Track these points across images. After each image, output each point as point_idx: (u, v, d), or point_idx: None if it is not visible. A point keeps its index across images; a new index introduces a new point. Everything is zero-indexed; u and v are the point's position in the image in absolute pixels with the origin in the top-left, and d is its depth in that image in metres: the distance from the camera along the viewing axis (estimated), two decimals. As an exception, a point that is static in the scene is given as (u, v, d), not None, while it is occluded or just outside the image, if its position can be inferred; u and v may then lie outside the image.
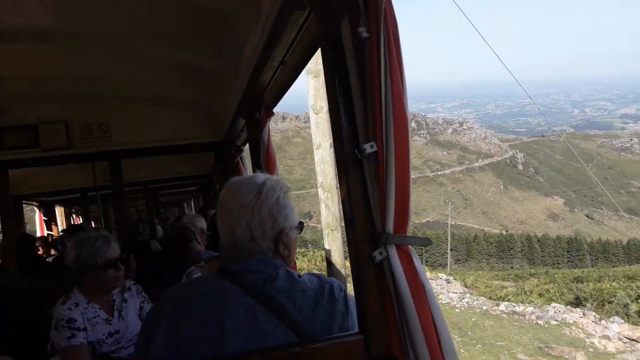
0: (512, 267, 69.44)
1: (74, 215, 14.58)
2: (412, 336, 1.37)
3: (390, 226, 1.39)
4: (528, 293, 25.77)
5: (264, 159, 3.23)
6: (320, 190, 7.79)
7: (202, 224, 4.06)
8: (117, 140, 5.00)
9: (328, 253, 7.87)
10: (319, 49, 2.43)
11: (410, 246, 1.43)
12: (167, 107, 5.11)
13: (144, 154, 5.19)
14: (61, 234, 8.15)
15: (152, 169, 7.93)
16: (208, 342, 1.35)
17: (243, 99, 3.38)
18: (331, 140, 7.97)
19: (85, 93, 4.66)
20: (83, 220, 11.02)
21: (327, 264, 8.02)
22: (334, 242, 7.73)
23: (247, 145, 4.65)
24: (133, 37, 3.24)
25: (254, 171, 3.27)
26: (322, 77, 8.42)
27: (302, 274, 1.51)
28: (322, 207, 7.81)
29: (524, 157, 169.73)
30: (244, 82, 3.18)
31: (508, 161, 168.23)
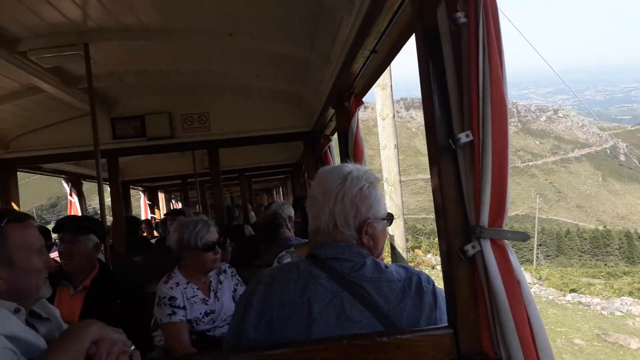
0: (605, 265, 63.71)
1: (172, 201, 15.65)
2: (505, 333, 1.32)
3: (485, 219, 1.33)
4: (617, 291, 23.84)
5: (352, 149, 3.24)
6: (385, 184, 9.08)
7: (290, 211, 4.17)
8: (215, 130, 5.30)
9: (392, 238, 9.02)
10: (411, 37, 2.40)
11: (505, 241, 1.36)
12: (260, 98, 5.32)
13: (239, 143, 5.44)
14: (163, 217, 8.77)
15: (246, 157, 8.29)
16: (296, 324, 1.40)
17: (333, 89, 3.41)
18: (396, 142, 9.00)
19: (186, 86, 4.97)
20: (182, 205, 11.79)
21: (390, 248, 9.25)
22: (397, 229, 9.07)
23: (335, 135, 4.72)
24: (231, 32, 3.39)
25: (341, 160, 3.31)
26: (388, 90, 8.74)
27: (388, 264, 1.50)
28: (387, 198, 9.03)
29: (626, 146, 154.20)
30: (334, 72, 3.21)
31: (608, 151, 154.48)
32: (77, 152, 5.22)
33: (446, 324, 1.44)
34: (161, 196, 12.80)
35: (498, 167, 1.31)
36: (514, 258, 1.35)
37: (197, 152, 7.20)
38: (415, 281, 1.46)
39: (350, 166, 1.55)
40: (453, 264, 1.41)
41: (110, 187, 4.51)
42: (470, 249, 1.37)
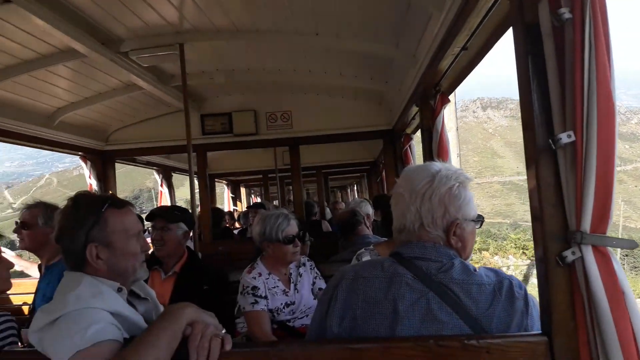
0: None
1: (252, 195, 16.19)
2: (607, 347, 1.24)
3: (587, 224, 1.26)
4: None
5: (436, 147, 3.17)
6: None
7: (368, 209, 4.17)
8: (297, 128, 5.45)
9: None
10: (506, 33, 2.31)
11: (609, 248, 1.28)
12: (342, 97, 5.38)
13: (319, 140, 5.53)
14: (245, 209, 9.10)
15: (324, 154, 8.40)
16: (381, 322, 1.40)
17: (418, 87, 3.37)
18: (458, 151, 8.76)
19: (271, 84, 5.14)
20: (263, 199, 12.16)
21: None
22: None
23: (417, 133, 4.65)
24: (318, 31, 3.45)
25: (424, 160, 3.25)
26: (452, 106, 8.37)
27: (477, 267, 1.46)
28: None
29: None
30: (420, 70, 3.16)
31: None
32: (169, 145, 5.57)
33: (539, 332, 1.38)
34: (242, 190, 13.30)
35: (603, 170, 1.24)
36: (618, 267, 1.27)
37: (278, 148, 7.41)
38: (506, 286, 1.41)
39: (438, 165, 1.53)
40: (550, 270, 1.35)
41: (198, 179, 4.79)
42: (569, 255, 1.31)
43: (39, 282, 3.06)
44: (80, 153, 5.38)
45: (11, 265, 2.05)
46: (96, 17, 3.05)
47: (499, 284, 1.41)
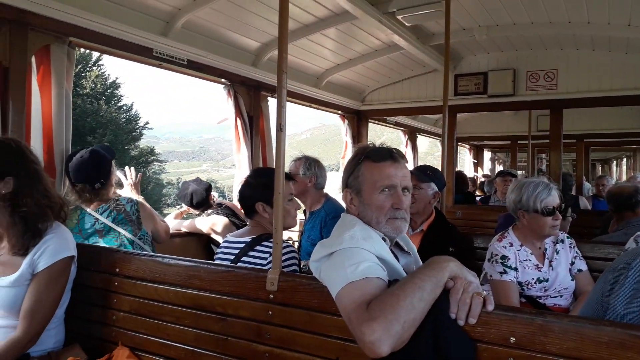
0: None
1: (495, 162, 15.31)
2: None
3: None
4: None
5: None
6: None
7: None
8: (562, 89, 4.89)
9: None
10: None
11: None
12: (625, 52, 4.56)
13: (588, 104, 4.88)
14: (489, 176, 8.70)
15: (589, 120, 7.39)
16: None
17: None
18: None
19: (537, 40, 4.68)
20: (509, 167, 11.43)
21: None
22: None
23: None
24: None
25: None
26: None
27: None
28: None
29: None
30: None
31: None
32: (421, 106, 5.64)
33: None
34: (485, 155, 12.72)
35: None
36: None
37: (534, 112, 6.79)
38: None
39: None
40: None
41: (444, 142, 4.73)
42: None
43: (304, 224, 3.52)
44: (340, 112, 5.89)
45: (298, 206, 2.42)
46: (367, -25, 3.20)
47: None
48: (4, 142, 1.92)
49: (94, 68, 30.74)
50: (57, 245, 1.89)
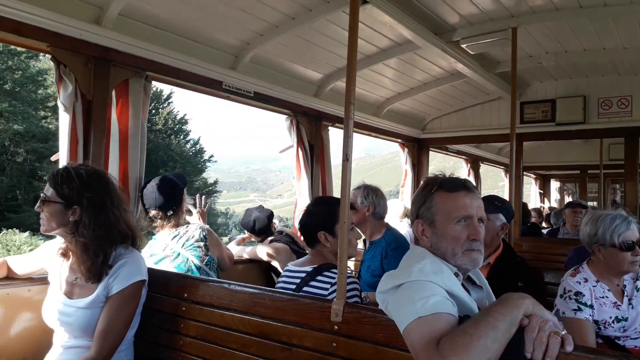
0: None
1: (564, 192, 14.53)
2: None
3: None
4: None
5: None
6: None
7: None
8: (637, 115, 4.65)
9: None
10: None
11: None
12: None
13: None
14: (563, 207, 8.27)
15: None
16: None
17: None
18: None
19: (609, 66, 4.50)
20: (577, 198, 10.85)
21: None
22: None
23: None
24: None
25: None
26: None
27: None
28: None
29: None
30: None
31: None
32: (484, 135, 5.51)
33: None
34: (552, 185, 12.15)
35: None
36: None
37: (605, 140, 6.46)
38: None
39: None
40: None
41: (511, 172, 4.56)
42: None
43: (364, 254, 3.48)
44: (399, 140, 5.86)
45: (359, 235, 2.40)
46: (431, 5, 3.20)
47: None
48: (79, 170, 1.99)
49: (165, 105, 32.73)
50: (130, 270, 1.97)
